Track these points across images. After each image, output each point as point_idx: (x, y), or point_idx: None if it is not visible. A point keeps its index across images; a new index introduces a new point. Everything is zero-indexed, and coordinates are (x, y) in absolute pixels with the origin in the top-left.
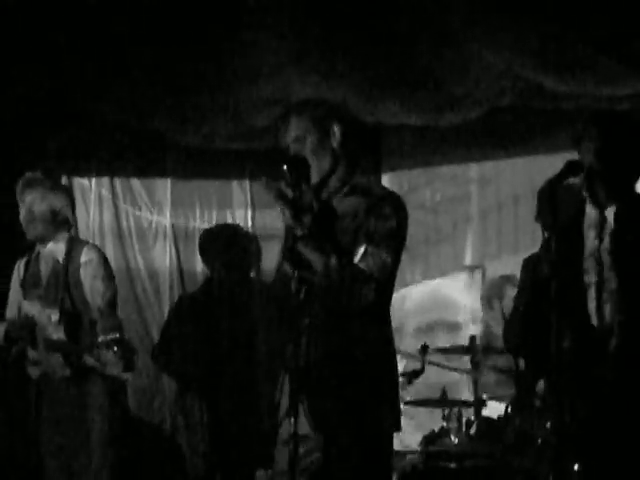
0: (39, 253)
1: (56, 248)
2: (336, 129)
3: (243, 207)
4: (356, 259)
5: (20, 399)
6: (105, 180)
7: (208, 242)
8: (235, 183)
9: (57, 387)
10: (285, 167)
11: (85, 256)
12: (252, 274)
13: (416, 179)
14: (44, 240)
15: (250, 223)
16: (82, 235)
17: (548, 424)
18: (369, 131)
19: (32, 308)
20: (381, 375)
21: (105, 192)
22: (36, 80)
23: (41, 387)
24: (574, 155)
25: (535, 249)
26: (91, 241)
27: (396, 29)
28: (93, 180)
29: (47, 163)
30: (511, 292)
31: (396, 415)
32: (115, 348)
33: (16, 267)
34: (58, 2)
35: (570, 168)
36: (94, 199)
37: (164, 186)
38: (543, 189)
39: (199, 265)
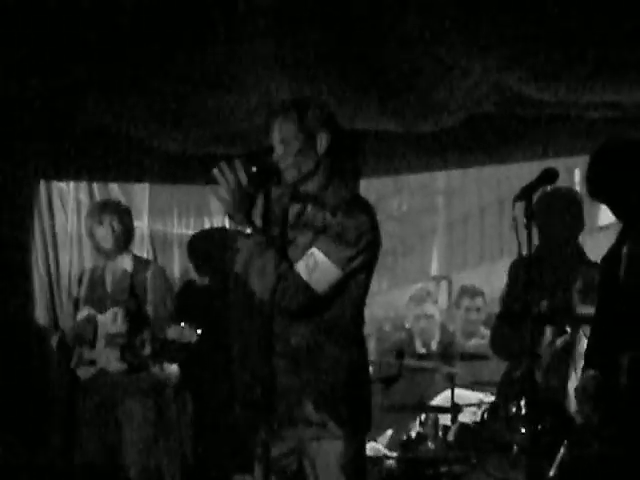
0: (104, 268)
1: (123, 262)
2: (323, 136)
3: (221, 214)
4: (300, 265)
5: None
6: (83, 185)
7: (198, 246)
8: (214, 189)
9: (108, 382)
10: (254, 169)
11: (151, 272)
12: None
13: (384, 188)
14: (115, 253)
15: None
16: (60, 240)
17: (523, 430)
18: (351, 137)
19: (93, 313)
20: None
21: (83, 197)
22: (14, 82)
23: (88, 386)
24: (547, 163)
25: (502, 259)
26: (67, 245)
27: (375, 35)
28: (71, 185)
29: (25, 167)
30: (467, 302)
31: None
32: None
33: (74, 285)
34: (38, 4)
35: (545, 176)
36: (72, 204)
37: (142, 192)
38: (518, 197)
39: (177, 270)
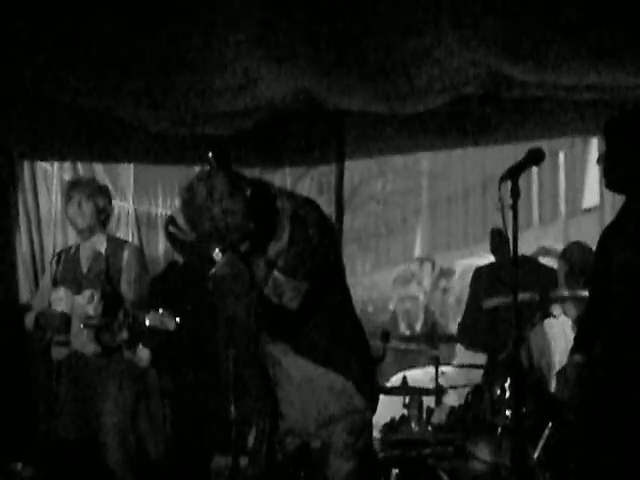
0: (78, 248)
1: (97, 242)
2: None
3: None
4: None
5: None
6: (67, 165)
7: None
8: (199, 170)
9: (82, 364)
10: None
11: (127, 252)
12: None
13: (368, 170)
14: (89, 233)
15: None
16: (44, 220)
17: (508, 412)
18: (332, 120)
19: (67, 294)
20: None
21: (67, 177)
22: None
23: (63, 367)
24: (532, 145)
25: (485, 241)
26: (52, 226)
27: (360, 15)
28: (55, 165)
29: (8, 148)
30: (444, 283)
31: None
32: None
33: (49, 265)
34: None
35: (532, 156)
36: (56, 184)
37: (127, 172)
38: (504, 177)
39: (161, 250)
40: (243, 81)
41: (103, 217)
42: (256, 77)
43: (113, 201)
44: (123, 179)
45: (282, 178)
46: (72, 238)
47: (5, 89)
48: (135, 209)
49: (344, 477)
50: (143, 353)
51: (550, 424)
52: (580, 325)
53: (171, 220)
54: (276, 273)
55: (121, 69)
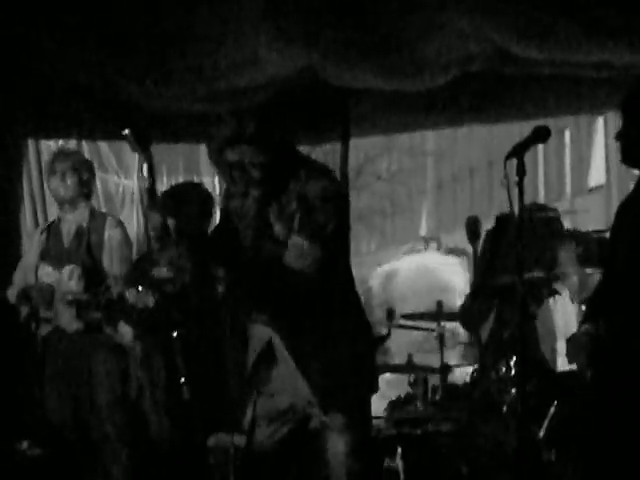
0: (60, 221)
1: (79, 215)
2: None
3: (210, 174)
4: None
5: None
6: (72, 143)
7: (162, 201)
8: (203, 148)
9: (66, 341)
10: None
11: (108, 226)
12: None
13: (373, 149)
14: (71, 204)
15: (217, 190)
16: (49, 199)
17: (513, 390)
18: (337, 98)
19: (52, 270)
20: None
21: None
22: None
23: (47, 344)
24: (537, 123)
25: (491, 220)
26: (56, 203)
27: None
28: (60, 143)
29: (13, 126)
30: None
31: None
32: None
33: (36, 236)
34: None
35: (537, 134)
36: None
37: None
38: (509, 154)
39: None
40: (247, 58)
41: (86, 190)
42: (260, 54)
43: (113, 178)
44: (128, 157)
45: None
46: None
47: (9, 67)
48: (140, 187)
49: (342, 456)
50: (125, 330)
51: (555, 402)
52: (590, 301)
53: None
54: (296, 236)
55: (124, 46)
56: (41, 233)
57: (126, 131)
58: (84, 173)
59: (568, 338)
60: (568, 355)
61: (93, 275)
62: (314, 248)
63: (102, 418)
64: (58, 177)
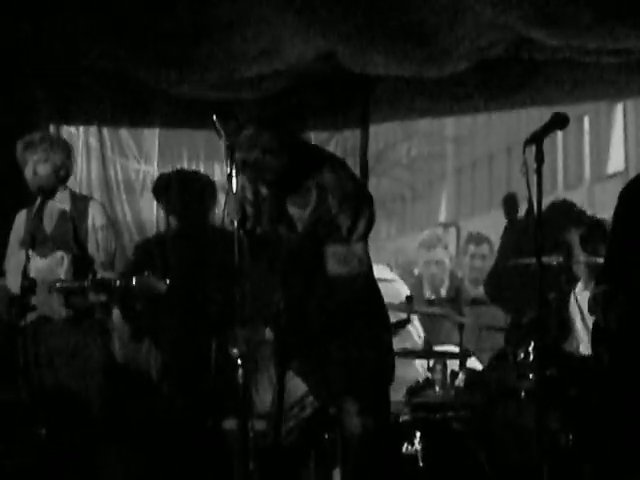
0: (42, 208)
1: (61, 200)
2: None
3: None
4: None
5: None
6: (93, 129)
7: (161, 187)
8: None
9: (53, 329)
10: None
11: (91, 210)
12: (210, 219)
13: (393, 135)
14: (48, 193)
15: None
16: (70, 184)
17: (531, 376)
18: (357, 84)
19: (38, 259)
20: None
21: (93, 141)
22: (20, 30)
23: (34, 331)
24: (556, 109)
25: None
26: (78, 191)
27: None
28: (81, 129)
29: (34, 111)
30: (472, 249)
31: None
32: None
33: (17, 222)
34: None
35: (556, 120)
36: (82, 148)
37: (152, 136)
38: (528, 141)
39: None
40: (268, 45)
41: (63, 173)
42: (281, 41)
43: (133, 164)
44: (148, 143)
45: None
46: None
47: (31, 53)
48: (160, 173)
49: (359, 439)
50: (114, 314)
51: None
52: (604, 262)
53: None
54: (332, 245)
55: (145, 32)
56: (22, 222)
57: (214, 117)
58: (57, 157)
59: (589, 298)
60: (589, 310)
61: (81, 261)
62: (352, 250)
63: (95, 401)
64: (30, 169)
